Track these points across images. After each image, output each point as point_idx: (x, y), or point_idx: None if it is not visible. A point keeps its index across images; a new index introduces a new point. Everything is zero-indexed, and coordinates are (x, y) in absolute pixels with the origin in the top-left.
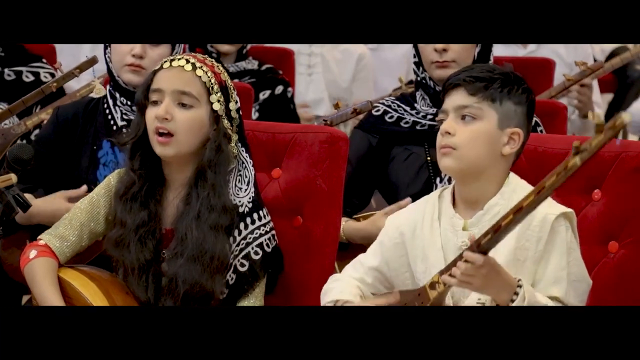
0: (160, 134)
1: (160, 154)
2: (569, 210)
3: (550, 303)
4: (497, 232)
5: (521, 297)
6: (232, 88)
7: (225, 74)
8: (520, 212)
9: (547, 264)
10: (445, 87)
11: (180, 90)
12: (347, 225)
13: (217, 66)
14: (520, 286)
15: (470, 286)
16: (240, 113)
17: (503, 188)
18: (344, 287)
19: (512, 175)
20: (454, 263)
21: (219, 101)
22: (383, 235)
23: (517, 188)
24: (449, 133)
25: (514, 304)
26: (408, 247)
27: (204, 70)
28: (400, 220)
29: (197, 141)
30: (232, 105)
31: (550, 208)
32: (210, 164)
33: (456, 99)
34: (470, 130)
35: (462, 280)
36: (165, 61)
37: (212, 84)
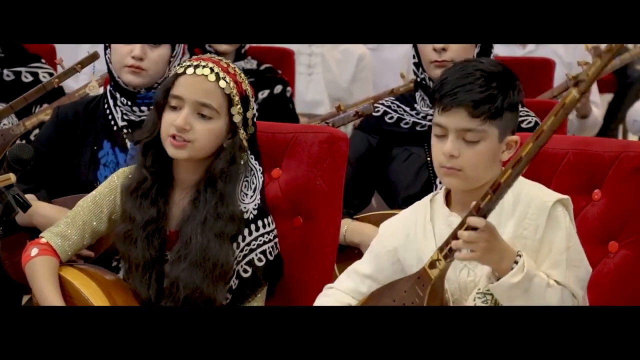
0: (176, 139)
1: (173, 155)
2: (565, 196)
3: (552, 281)
4: (497, 190)
5: (520, 265)
6: (251, 96)
7: (246, 82)
8: (519, 163)
9: (548, 251)
10: (442, 102)
11: (201, 102)
12: (352, 227)
13: (239, 74)
14: (520, 255)
15: (474, 254)
16: (255, 120)
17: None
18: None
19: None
20: (452, 236)
21: (239, 113)
22: (376, 242)
23: None
24: (453, 156)
25: (513, 272)
26: (401, 253)
27: (227, 82)
28: (393, 228)
29: (212, 149)
30: (250, 114)
31: (546, 195)
32: (222, 174)
33: (457, 120)
34: (475, 152)
35: (467, 242)
36: (189, 66)
37: (234, 95)
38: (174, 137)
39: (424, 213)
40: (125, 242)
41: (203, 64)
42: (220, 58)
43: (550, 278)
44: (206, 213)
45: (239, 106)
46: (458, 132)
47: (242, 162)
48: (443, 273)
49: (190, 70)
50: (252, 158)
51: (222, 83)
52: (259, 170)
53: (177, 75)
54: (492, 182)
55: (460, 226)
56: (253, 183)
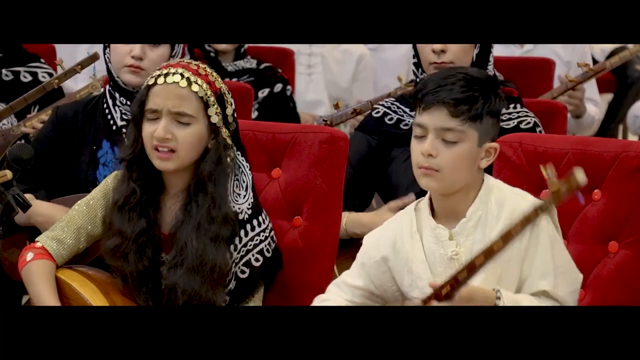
0: (160, 150)
1: (159, 167)
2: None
3: (535, 302)
4: (472, 271)
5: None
6: (227, 93)
7: (219, 80)
8: (491, 253)
9: (532, 260)
10: (423, 100)
11: (176, 111)
12: (351, 218)
13: (211, 73)
14: (498, 298)
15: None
16: (235, 115)
17: (480, 192)
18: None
19: (485, 176)
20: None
21: (216, 113)
22: (362, 254)
23: (494, 188)
24: (431, 155)
25: None
26: (390, 262)
27: (199, 84)
28: (378, 238)
29: (197, 153)
30: (229, 111)
31: (528, 203)
32: (210, 177)
33: (437, 119)
34: (453, 152)
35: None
36: (160, 76)
37: (208, 96)
38: (157, 149)
39: (410, 223)
40: (114, 257)
41: (172, 70)
42: (189, 61)
43: (538, 289)
44: (199, 218)
45: (215, 106)
46: (437, 131)
47: (228, 161)
48: None
49: (160, 80)
50: (238, 154)
51: (194, 87)
52: (247, 166)
53: (149, 87)
54: (470, 189)
55: (435, 295)
56: (244, 181)
